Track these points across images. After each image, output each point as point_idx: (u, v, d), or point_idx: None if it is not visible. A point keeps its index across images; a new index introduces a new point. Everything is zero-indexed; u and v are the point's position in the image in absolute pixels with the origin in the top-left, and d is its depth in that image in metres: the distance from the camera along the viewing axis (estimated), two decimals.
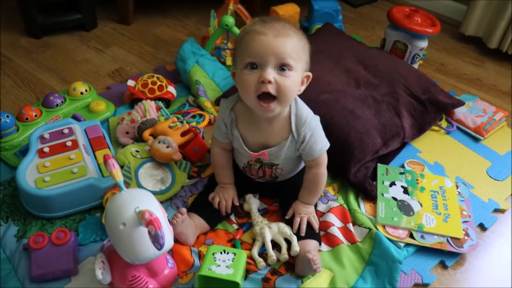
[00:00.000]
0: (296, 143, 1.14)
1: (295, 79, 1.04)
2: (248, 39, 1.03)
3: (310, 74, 1.10)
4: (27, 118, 1.43)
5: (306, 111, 1.13)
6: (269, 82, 1.00)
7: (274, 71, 1.01)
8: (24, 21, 2.01)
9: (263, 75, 1.00)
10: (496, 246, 1.27)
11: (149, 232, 0.90)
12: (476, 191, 1.41)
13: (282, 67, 1.01)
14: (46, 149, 1.27)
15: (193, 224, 1.18)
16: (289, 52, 1.01)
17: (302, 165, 1.26)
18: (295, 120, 1.12)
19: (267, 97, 1.02)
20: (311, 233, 1.18)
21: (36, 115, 1.45)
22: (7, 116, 1.36)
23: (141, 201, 0.96)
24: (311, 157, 1.15)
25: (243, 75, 1.04)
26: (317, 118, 1.14)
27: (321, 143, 1.14)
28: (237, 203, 1.25)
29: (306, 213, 1.20)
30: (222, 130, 1.19)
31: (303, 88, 1.10)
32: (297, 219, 1.19)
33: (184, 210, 1.14)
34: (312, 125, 1.12)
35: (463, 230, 1.25)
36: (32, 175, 1.21)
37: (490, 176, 1.46)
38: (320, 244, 1.19)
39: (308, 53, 1.08)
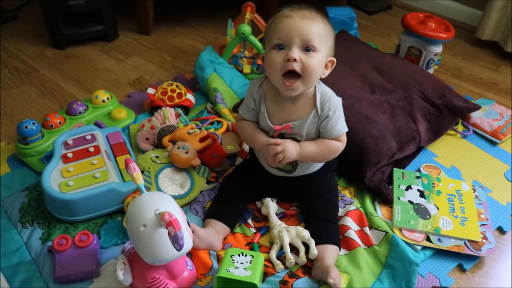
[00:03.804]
0: (318, 118, 1.18)
1: (319, 60, 1.11)
2: (276, 22, 1.13)
3: (334, 59, 1.17)
4: (51, 125, 1.48)
5: (330, 91, 1.20)
6: (294, 60, 1.08)
7: (299, 51, 1.09)
8: (50, 33, 2.09)
9: (288, 53, 1.09)
10: None
11: (169, 233, 0.92)
12: (494, 194, 1.40)
13: (307, 48, 1.09)
14: (70, 155, 1.30)
15: (213, 232, 1.19)
16: (314, 34, 1.09)
17: (321, 164, 1.28)
18: (320, 97, 1.17)
19: (291, 75, 1.10)
20: (332, 237, 1.18)
21: (60, 122, 1.49)
22: (33, 124, 1.41)
23: (161, 203, 0.98)
24: (330, 135, 1.19)
25: (270, 55, 1.13)
26: (340, 99, 1.20)
27: (341, 124, 1.19)
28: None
29: (288, 148, 1.15)
30: (250, 107, 1.24)
31: (327, 72, 1.17)
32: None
33: (193, 226, 1.13)
34: (335, 102, 1.18)
35: (481, 233, 1.24)
36: (56, 179, 1.23)
37: (508, 180, 1.45)
38: (340, 249, 1.18)
39: (333, 39, 1.16)
